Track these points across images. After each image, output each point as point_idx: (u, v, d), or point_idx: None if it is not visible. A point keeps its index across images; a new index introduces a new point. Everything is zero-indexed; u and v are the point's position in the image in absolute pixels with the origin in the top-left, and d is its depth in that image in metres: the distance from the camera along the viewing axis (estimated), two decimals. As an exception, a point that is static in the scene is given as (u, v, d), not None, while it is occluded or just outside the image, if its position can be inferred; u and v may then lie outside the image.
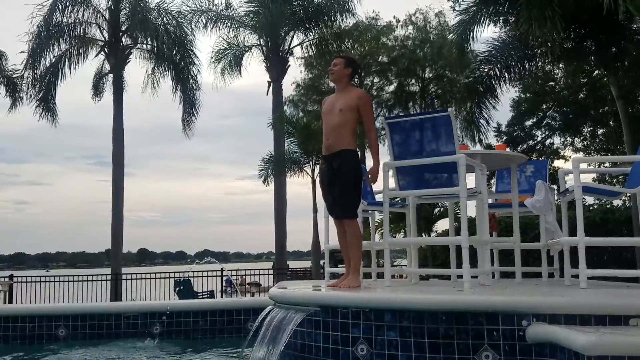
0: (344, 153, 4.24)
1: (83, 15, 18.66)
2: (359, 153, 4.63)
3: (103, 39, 19.31)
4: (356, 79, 22.76)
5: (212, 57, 19.65)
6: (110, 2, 19.10)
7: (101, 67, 20.00)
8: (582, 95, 19.58)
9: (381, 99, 23.13)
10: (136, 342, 5.71)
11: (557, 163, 20.53)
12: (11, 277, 14.81)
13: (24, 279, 14.61)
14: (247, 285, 17.31)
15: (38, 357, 5.35)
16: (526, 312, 3.07)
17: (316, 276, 14.94)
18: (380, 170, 4.39)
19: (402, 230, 19.27)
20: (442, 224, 22.37)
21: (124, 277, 15.56)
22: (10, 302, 13.89)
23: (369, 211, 5.65)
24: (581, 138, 21.19)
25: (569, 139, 21.27)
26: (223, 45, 19.80)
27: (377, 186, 5.09)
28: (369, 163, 4.49)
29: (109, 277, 15.59)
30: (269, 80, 19.54)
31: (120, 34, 19.18)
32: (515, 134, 21.20)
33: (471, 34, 11.44)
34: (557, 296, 3.46)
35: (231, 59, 19.74)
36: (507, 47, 12.07)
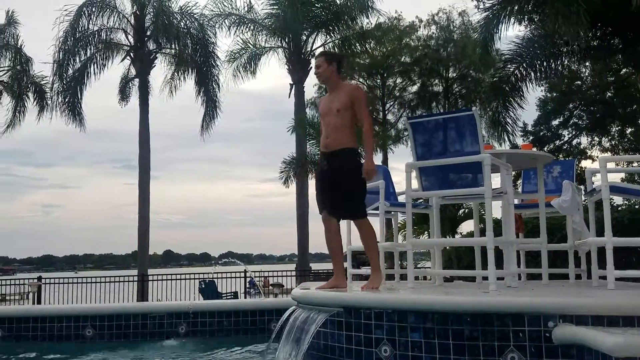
0: (345, 152, 4.19)
1: (108, 21, 19.00)
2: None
3: (128, 44, 19.60)
4: (371, 81, 22.77)
5: (226, 57, 19.79)
6: (135, 7, 19.38)
7: (127, 72, 20.33)
8: (609, 94, 19.25)
9: (404, 100, 23.04)
10: (162, 342, 5.78)
11: (585, 163, 20.21)
12: (39, 278, 15.11)
13: (52, 280, 14.90)
14: (270, 287, 17.37)
15: (66, 356, 5.44)
16: (552, 313, 3.02)
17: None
18: (374, 166, 4.20)
19: (426, 232, 19.13)
20: (467, 226, 22.12)
21: (150, 278, 15.76)
22: (39, 302, 14.17)
23: (392, 212, 5.62)
24: (609, 137, 20.81)
25: (596, 138, 20.92)
26: (238, 45, 19.90)
27: (400, 187, 5.07)
28: (393, 165, 4.44)
29: (135, 279, 15.81)
30: (291, 82, 19.62)
31: (146, 38, 19.44)
32: (541, 133, 20.92)
33: (495, 33, 11.32)
34: (584, 297, 3.40)
35: (245, 60, 19.82)
36: (533, 46, 11.93)
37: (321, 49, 20.28)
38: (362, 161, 4.28)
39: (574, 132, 21.11)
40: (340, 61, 4.50)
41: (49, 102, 19.88)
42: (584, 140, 21.25)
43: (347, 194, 4.17)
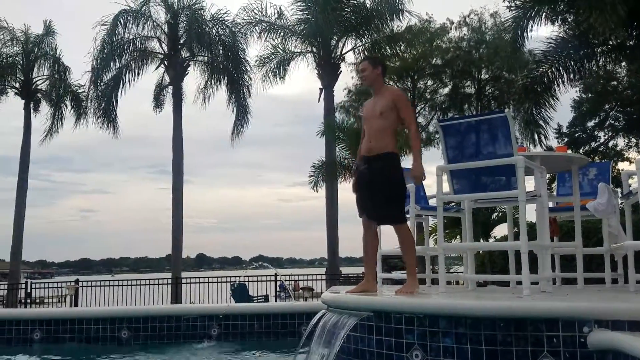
0: (386, 156, 4.20)
1: (143, 29, 19.39)
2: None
3: (162, 52, 19.96)
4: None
5: (255, 62, 19.94)
6: (168, 16, 19.73)
7: (161, 80, 20.70)
8: (647, 94, 18.74)
9: (435, 102, 22.86)
10: (195, 344, 5.86)
11: (621, 165, 19.71)
12: (77, 281, 15.47)
13: (88, 283, 15.25)
14: (300, 290, 17.44)
15: (102, 358, 5.56)
16: (588, 318, 2.96)
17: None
18: (423, 169, 4.27)
19: (458, 236, 18.91)
20: (501, 229, 21.80)
21: (183, 281, 16.00)
22: (76, 305, 14.50)
23: (423, 216, 5.59)
24: (646, 139, 20.26)
25: (633, 140, 20.40)
26: (268, 51, 20.02)
27: (431, 190, 5.03)
28: (424, 167, 4.37)
29: (169, 281, 16.05)
30: (321, 87, 19.66)
31: (179, 46, 19.77)
32: (576, 135, 20.52)
33: (526, 31, 11.15)
34: (620, 302, 3.32)
35: (275, 65, 19.93)
36: (566, 46, 11.72)
37: (351, 53, 20.33)
38: (402, 166, 4.29)
39: (610, 134, 20.63)
40: (385, 65, 4.56)
41: (86, 109, 20.41)
42: (621, 142, 20.77)
43: (386, 198, 4.18)
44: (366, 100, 4.75)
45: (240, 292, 13.52)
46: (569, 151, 6.59)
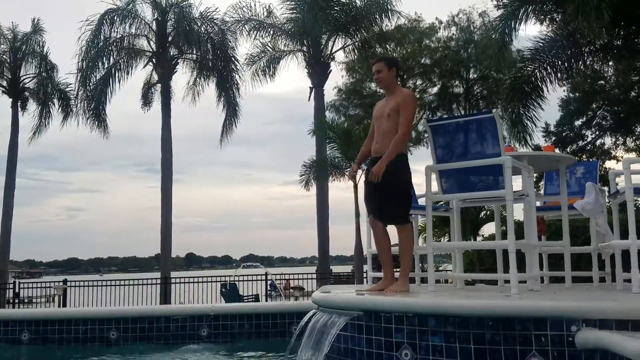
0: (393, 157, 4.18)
1: (130, 28, 19.24)
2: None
3: (150, 50, 19.83)
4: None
5: (245, 60, 19.88)
6: (156, 14, 19.60)
7: (149, 78, 20.57)
8: (633, 93, 18.93)
9: (424, 102, 22.95)
10: (184, 344, 5.84)
11: (608, 164, 19.91)
12: (65, 281, 15.37)
13: (77, 283, 15.14)
14: (290, 289, 17.44)
15: (91, 358, 5.53)
16: (575, 318, 2.98)
17: (359, 280, 14.90)
18: (380, 172, 4.08)
19: (447, 234, 19.00)
20: (489, 228, 21.94)
21: (172, 281, 15.93)
22: (65, 305, 14.41)
23: (412, 215, 5.60)
24: (633, 138, 20.47)
25: (620, 138, 20.60)
26: (257, 49, 19.98)
27: (420, 189, 5.05)
28: (413, 167, 4.39)
29: (158, 281, 15.98)
30: (311, 86, 19.65)
31: (167, 44, 19.66)
32: (564, 134, 20.68)
33: (513, 32, 11.19)
34: (608, 301, 3.35)
35: (264, 63, 19.89)
36: (555, 46, 11.79)
37: (341, 52, 20.33)
38: (409, 166, 4.27)
39: (597, 133, 20.82)
40: (399, 66, 4.51)
41: (74, 108, 20.25)
42: (608, 141, 20.97)
43: (390, 198, 4.19)
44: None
45: (230, 292, 13.48)
46: (557, 150, 6.64)
